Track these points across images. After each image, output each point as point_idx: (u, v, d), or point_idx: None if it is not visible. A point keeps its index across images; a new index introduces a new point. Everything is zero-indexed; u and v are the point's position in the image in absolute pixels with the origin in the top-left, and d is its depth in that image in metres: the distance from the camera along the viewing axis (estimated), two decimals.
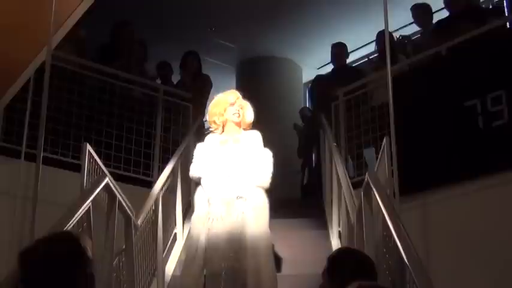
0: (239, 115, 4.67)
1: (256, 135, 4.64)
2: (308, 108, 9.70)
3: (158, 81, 7.98)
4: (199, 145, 4.78)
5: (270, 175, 4.46)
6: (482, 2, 8.25)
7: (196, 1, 8.62)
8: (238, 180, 4.38)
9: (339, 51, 8.08)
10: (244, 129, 4.73)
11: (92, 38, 7.22)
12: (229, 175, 4.40)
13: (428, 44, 6.52)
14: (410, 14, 7.28)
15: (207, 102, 7.61)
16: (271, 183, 4.49)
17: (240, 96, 4.80)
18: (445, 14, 7.04)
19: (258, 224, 4.29)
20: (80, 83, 6.59)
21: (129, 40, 7.52)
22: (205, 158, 4.57)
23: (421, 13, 7.10)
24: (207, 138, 4.76)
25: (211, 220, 4.29)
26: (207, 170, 4.50)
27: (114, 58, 7.17)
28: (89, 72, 6.74)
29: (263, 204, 4.40)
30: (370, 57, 8.58)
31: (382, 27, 5.35)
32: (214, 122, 4.76)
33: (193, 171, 4.63)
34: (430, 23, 7.07)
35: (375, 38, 7.64)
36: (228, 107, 4.69)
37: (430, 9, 7.11)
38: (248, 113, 4.75)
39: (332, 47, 8.13)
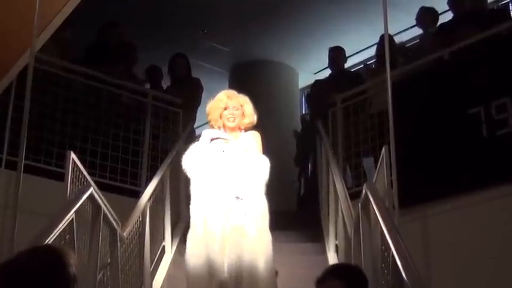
0: (234, 119, 4.65)
1: (254, 137, 4.62)
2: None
3: (147, 85, 8.00)
4: (205, 132, 4.70)
5: (264, 176, 4.44)
6: (489, 3, 8.29)
7: (187, 1, 8.63)
8: (236, 181, 4.38)
9: (337, 55, 8.10)
10: (244, 129, 4.70)
11: (78, 40, 7.22)
12: (227, 176, 4.40)
13: (430, 47, 6.56)
14: (410, 18, 7.32)
15: (198, 107, 7.64)
16: (267, 194, 4.49)
17: (234, 95, 4.72)
18: (447, 16, 7.08)
19: (258, 242, 4.31)
20: (64, 86, 6.59)
21: (117, 42, 7.53)
22: (205, 156, 4.53)
23: (425, 14, 7.13)
24: (210, 132, 4.68)
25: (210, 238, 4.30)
26: (203, 171, 4.49)
27: (101, 61, 7.17)
28: (74, 75, 6.74)
29: (263, 208, 4.40)
30: (367, 63, 8.61)
31: (382, 31, 5.38)
32: (212, 127, 4.78)
33: (190, 164, 4.56)
34: (433, 25, 7.10)
35: (374, 42, 7.67)
36: (223, 112, 4.69)
37: (436, 12, 7.15)
38: (247, 111, 4.68)
39: (329, 51, 8.14)
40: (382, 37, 7.16)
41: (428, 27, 7.15)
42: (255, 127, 4.75)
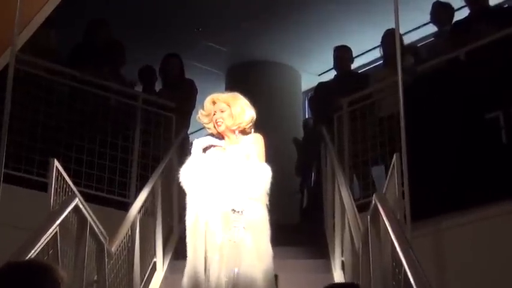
0: (222, 122, 4.63)
1: (254, 141, 4.58)
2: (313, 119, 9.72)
3: (139, 88, 8.00)
4: (195, 142, 4.68)
5: (263, 186, 4.43)
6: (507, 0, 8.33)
7: None
8: (233, 193, 4.37)
9: (342, 54, 8.09)
10: (242, 130, 4.66)
11: (63, 39, 7.23)
12: (223, 188, 4.40)
13: (444, 47, 6.56)
14: (421, 14, 7.32)
15: (192, 112, 7.64)
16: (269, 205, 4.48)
17: (219, 97, 4.66)
18: (463, 14, 7.09)
19: (258, 258, 4.30)
20: (47, 89, 6.59)
21: (105, 41, 7.53)
22: (201, 165, 4.53)
23: (440, 10, 7.12)
24: (200, 142, 4.67)
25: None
26: (199, 181, 4.48)
27: (87, 61, 7.18)
28: (58, 77, 6.74)
29: (263, 222, 4.39)
30: (375, 65, 8.61)
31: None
32: (212, 134, 4.79)
33: (187, 180, 4.57)
34: (449, 23, 7.10)
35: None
36: (213, 118, 4.68)
37: (452, 8, 7.14)
38: (234, 111, 4.59)
39: (334, 50, 8.15)
40: (385, 35, 7.19)
41: (443, 25, 7.15)
42: (257, 129, 4.70)
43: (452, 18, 7.12)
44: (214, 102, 4.66)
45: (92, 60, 7.27)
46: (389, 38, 7.00)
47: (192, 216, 4.45)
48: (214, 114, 4.63)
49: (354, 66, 8.64)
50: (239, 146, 4.55)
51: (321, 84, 8.64)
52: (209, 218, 4.37)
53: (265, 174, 4.43)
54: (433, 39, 7.53)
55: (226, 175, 4.44)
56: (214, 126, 4.63)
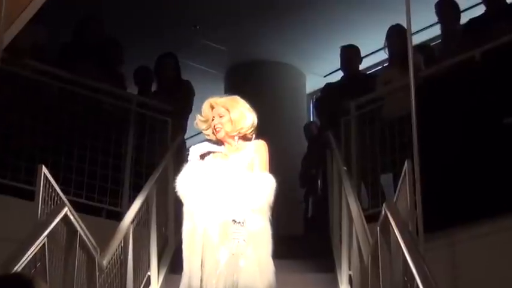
0: (220, 128, 4.63)
1: (258, 150, 4.57)
2: (316, 123, 9.73)
3: (135, 90, 8.01)
4: (192, 149, 4.68)
5: (267, 198, 4.43)
6: None
7: None
8: (234, 203, 4.38)
9: (350, 54, 8.11)
10: (241, 137, 4.66)
11: (53, 38, 7.25)
12: (224, 197, 4.40)
13: (458, 47, 6.57)
14: (431, 13, 7.31)
15: (189, 115, 7.64)
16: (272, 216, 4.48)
17: (217, 101, 4.65)
18: (474, 13, 7.09)
19: (259, 273, 4.30)
20: (34, 90, 6.60)
21: (97, 39, 7.54)
22: (199, 174, 4.53)
23: (447, 10, 7.12)
24: (198, 148, 4.68)
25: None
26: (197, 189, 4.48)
27: (78, 61, 7.19)
28: (46, 77, 6.75)
29: (265, 235, 4.39)
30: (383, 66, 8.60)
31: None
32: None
33: (184, 186, 4.57)
34: (456, 22, 7.10)
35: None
36: (211, 123, 4.68)
37: (457, 6, 7.15)
38: (233, 116, 4.58)
39: (342, 50, 8.16)
40: (391, 30, 7.18)
41: (450, 24, 7.14)
42: (259, 134, 4.69)
43: (459, 19, 7.10)
44: (212, 107, 4.65)
45: (83, 59, 7.28)
46: (395, 36, 7.01)
47: (188, 227, 4.45)
48: (213, 119, 4.62)
49: (361, 66, 8.66)
50: (241, 154, 4.54)
51: (328, 86, 8.65)
52: (208, 228, 4.37)
53: (269, 185, 4.42)
54: (442, 39, 7.51)
55: (227, 184, 4.43)
56: (213, 133, 4.63)
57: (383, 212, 4.25)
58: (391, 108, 6.74)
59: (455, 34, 7.03)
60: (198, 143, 4.78)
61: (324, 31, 9.42)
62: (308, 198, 8.93)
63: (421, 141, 4.70)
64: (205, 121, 4.66)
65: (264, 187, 4.43)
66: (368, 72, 9.28)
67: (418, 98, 4.86)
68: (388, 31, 7.32)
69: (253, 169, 4.49)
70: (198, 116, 4.72)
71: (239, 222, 4.34)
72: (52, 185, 4.67)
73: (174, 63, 8.05)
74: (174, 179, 4.63)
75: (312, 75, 10.50)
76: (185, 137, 7.93)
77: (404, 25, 5.20)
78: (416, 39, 7.51)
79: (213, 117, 4.61)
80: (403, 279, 3.80)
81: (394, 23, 7.15)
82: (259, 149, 4.55)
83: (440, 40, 7.64)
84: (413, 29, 6.23)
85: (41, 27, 6.69)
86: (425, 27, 8.54)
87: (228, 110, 4.60)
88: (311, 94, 10.77)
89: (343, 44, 8.24)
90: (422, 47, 7.69)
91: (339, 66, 8.42)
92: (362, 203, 6.33)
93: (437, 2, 7.16)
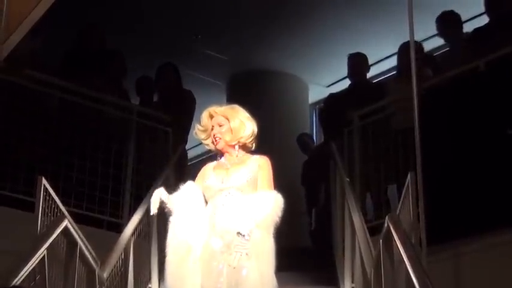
0: (220, 138, 4.63)
1: (261, 167, 4.55)
2: (307, 134, 9.74)
3: (136, 100, 8.02)
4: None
5: (273, 217, 4.44)
6: None
7: (177, 2, 8.67)
8: (239, 216, 4.38)
9: (357, 62, 8.09)
10: (241, 146, 4.65)
11: (53, 47, 7.27)
12: (227, 212, 4.41)
13: (463, 57, 6.59)
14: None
15: (190, 125, 7.64)
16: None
17: (216, 110, 4.64)
18: (476, 24, 7.11)
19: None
20: (34, 100, 6.62)
21: (98, 49, 7.56)
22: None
23: (449, 24, 7.13)
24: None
25: None
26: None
27: (78, 70, 7.20)
28: (46, 87, 6.77)
29: (268, 250, 4.40)
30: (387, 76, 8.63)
31: (406, 38, 5.42)
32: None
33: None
34: (457, 33, 7.12)
35: (396, 51, 7.67)
36: (211, 133, 4.69)
37: (460, 18, 7.15)
38: (233, 125, 4.57)
39: (349, 58, 8.14)
40: (403, 46, 7.21)
41: (452, 38, 7.17)
42: (260, 144, 4.69)
43: (461, 30, 7.11)
44: (211, 116, 4.65)
45: (84, 69, 7.30)
46: (405, 49, 7.02)
47: (179, 244, 4.50)
48: (212, 129, 4.63)
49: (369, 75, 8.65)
50: (243, 169, 4.56)
51: (332, 96, 8.65)
52: (210, 239, 4.38)
53: (277, 203, 4.42)
54: (448, 49, 7.54)
55: (231, 201, 4.44)
56: (213, 142, 4.64)
57: (386, 225, 4.26)
58: (400, 119, 6.74)
59: (459, 45, 7.05)
60: (200, 153, 4.80)
61: (327, 41, 9.42)
62: (311, 209, 8.92)
63: (425, 152, 4.71)
64: (205, 131, 4.66)
65: (271, 205, 4.42)
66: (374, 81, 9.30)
67: (422, 108, 4.88)
68: (401, 44, 7.34)
69: (257, 186, 4.50)
70: (198, 126, 4.72)
71: (243, 235, 4.35)
72: (52, 197, 4.68)
73: (175, 73, 8.07)
74: (175, 190, 4.65)
75: (315, 86, 10.50)
76: (186, 147, 7.94)
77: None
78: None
79: (213, 126, 4.62)
80: None
81: (398, 33, 7.17)
82: (264, 167, 4.52)
83: (447, 49, 7.65)
84: (419, 38, 6.27)
85: (34, 34, 6.71)
86: (431, 36, 8.55)
87: (227, 118, 4.60)
88: (313, 104, 10.76)
89: (345, 54, 8.24)
90: (429, 56, 7.71)
91: (341, 76, 8.45)
92: (365, 215, 6.33)
93: (437, 17, 7.18)
